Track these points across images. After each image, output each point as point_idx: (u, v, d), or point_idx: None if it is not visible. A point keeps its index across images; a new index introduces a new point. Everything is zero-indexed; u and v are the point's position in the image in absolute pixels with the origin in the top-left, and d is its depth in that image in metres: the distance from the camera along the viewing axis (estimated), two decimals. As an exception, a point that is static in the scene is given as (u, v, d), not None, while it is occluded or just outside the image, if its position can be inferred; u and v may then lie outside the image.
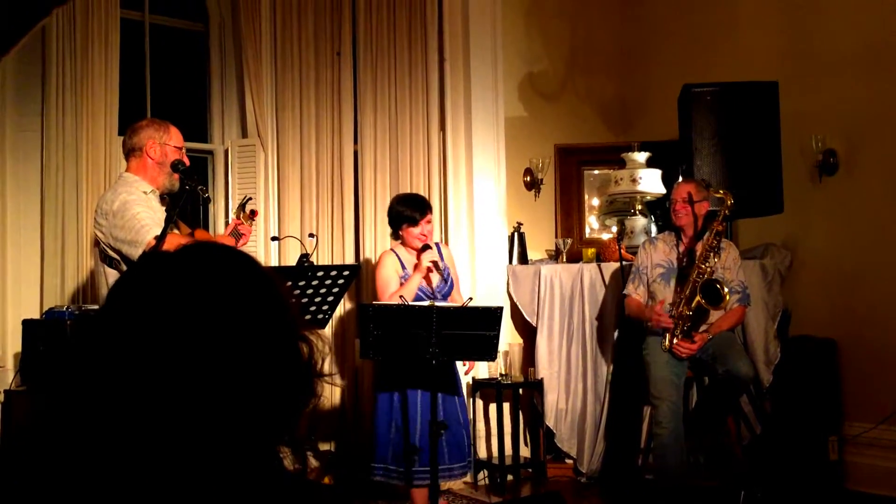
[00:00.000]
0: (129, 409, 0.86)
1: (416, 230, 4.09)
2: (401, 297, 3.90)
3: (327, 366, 1.06)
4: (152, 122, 3.43)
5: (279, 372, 0.93)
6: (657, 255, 4.40)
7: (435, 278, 4.11)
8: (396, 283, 4.09)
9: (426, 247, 4.07)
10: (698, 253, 4.18)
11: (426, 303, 3.95)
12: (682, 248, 4.33)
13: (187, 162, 3.35)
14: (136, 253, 3.07)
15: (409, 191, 4.99)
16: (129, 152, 3.33)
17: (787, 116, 4.78)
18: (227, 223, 5.26)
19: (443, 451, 3.90)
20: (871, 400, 4.54)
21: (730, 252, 4.39)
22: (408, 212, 4.10)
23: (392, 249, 4.25)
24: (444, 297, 4.16)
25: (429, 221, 4.12)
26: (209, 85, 5.59)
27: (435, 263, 4.05)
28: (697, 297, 4.10)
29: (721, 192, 4.26)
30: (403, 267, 4.13)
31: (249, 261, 0.99)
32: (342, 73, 5.29)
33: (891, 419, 4.41)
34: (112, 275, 3.26)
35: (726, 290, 4.04)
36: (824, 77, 4.86)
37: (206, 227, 5.33)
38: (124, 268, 3.19)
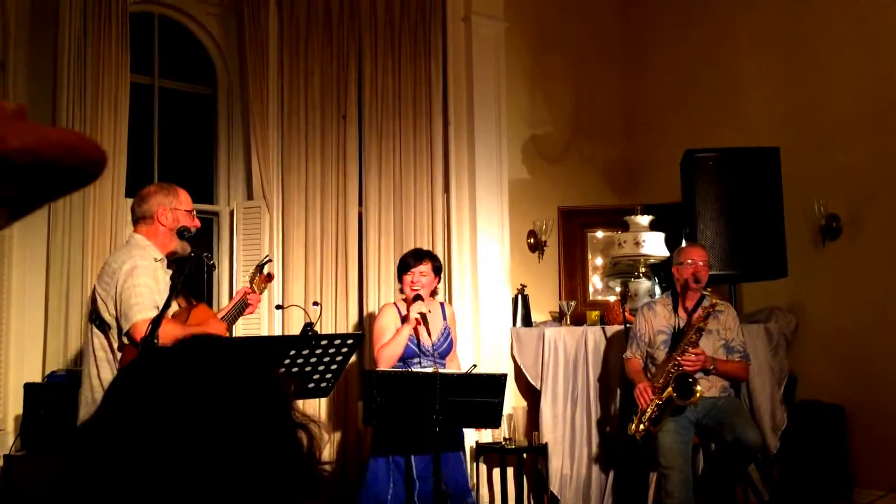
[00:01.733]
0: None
1: (407, 277, 4.13)
2: (403, 362, 3.89)
3: (326, 453, 1.05)
4: (161, 187, 3.39)
5: (278, 466, 0.93)
6: (657, 320, 4.38)
7: (423, 332, 4.09)
8: (391, 333, 4.09)
9: (417, 297, 4.06)
10: (685, 339, 4.15)
11: (425, 363, 3.94)
12: (681, 313, 4.31)
13: (198, 224, 3.35)
14: (122, 326, 3.06)
15: None
16: (140, 219, 3.31)
17: (789, 181, 4.81)
18: (231, 286, 5.27)
19: None
20: (881, 466, 4.49)
21: (728, 312, 4.38)
22: (405, 260, 4.20)
23: (395, 302, 4.30)
24: (442, 356, 4.15)
25: (424, 273, 4.12)
26: (216, 147, 5.65)
27: (423, 316, 4.01)
28: (669, 389, 4.08)
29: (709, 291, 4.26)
30: (403, 320, 4.14)
31: (243, 358, 0.99)
32: (347, 136, 5.35)
33: (901, 487, 4.35)
34: (98, 336, 3.21)
35: (698, 388, 4.02)
36: (826, 141, 4.90)
37: (210, 292, 5.33)
38: (111, 334, 3.16)
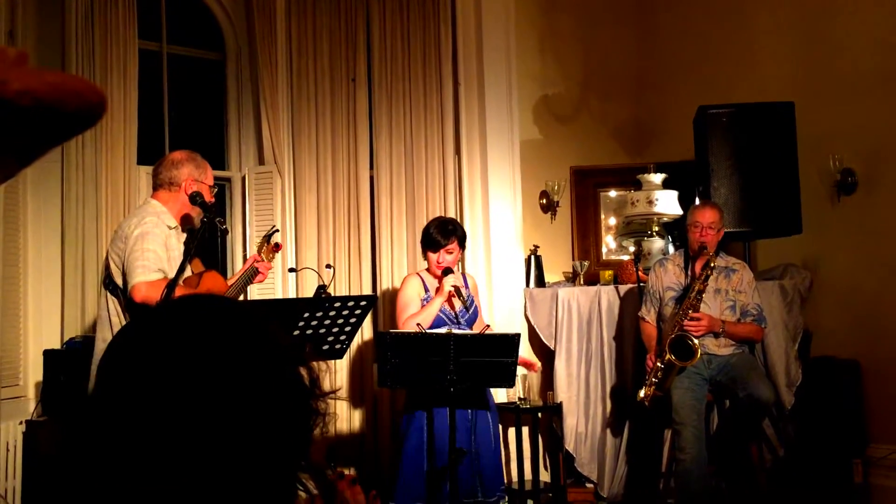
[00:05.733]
0: (139, 467, 0.87)
1: (434, 256, 4.11)
2: (418, 324, 3.91)
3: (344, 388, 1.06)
4: (192, 157, 3.37)
5: (282, 401, 0.94)
6: (668, 277, 4.40)
7: (457, 304, 4.10)
8: (417, 305, 4.10)
9: (448, 270, 4.07)
10: (685, 303, 4.15)
11: (444, 329, 3.95)
12: (692, 271, 4.31)
13: (212, 199, 3.35)
14: (127, 282, 3.08)
15: (424, 216, 5.05)
16: (163, 184, 3.30)
17: (803, 136, 4.76)
18: (244, 252, 5.29)
19: (475, 482, 3.86)
20: (895, 420, 4.48)
21: (743, 275, 4.36)
22: (432, 236, 4.12)
23: (418, 272, 4.29)
24: (469, 324, 4.16)
25: (450, 252, 4.10)
26: (226, 113, 5.65)
27: (457, 288, 4.04)
28: (668, 355, 4.09)
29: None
30: (426, 290, 4.14)
31: (235, 307, 1.01)
32: (357, 100, 5.33)
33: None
34: (112, 301, 3.24)
35: (696, 342, 4.02)
36: (841, 96, 4.83)
37: (224, 257, 5.36)
38: (120, 297, 3.19)
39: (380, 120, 5.32)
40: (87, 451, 0.90)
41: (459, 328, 4.04)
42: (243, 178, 5.46)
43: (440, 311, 4.07)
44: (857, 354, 4.70)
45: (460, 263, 5.08)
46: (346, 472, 5.04)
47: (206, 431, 0.88)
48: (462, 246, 4.20)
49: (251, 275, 3.44)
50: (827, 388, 4.69)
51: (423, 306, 4.08)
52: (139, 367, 0.91)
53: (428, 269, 4.19)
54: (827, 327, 4.89)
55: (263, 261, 3.45)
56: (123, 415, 0.89)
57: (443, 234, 4.10)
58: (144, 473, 0.86)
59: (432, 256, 4.11)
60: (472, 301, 4.20)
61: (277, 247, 3.51)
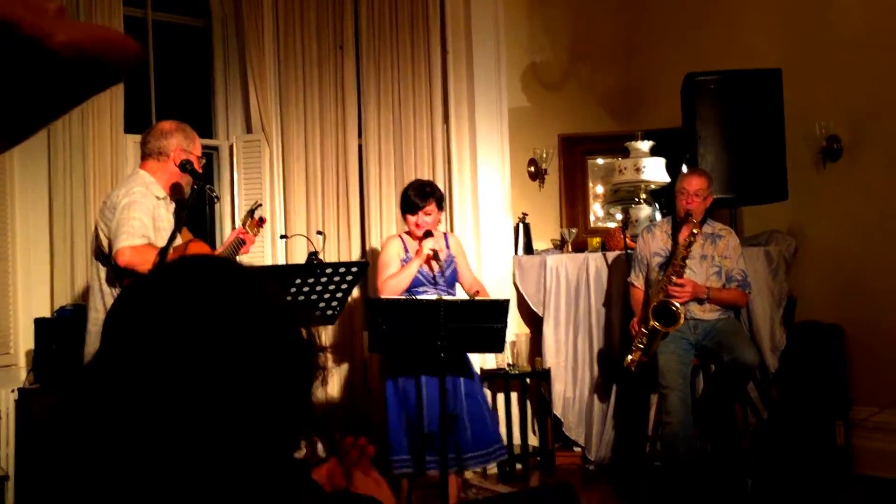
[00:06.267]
0: (142, 424, 0.89)
1: (412, 218, 4.13)
2: (411, 296, 3.93)
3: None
4: (181, 128, 3.37)
5: (283, 356, 0.96)
6: (655, 243, 4.44)
7: (436, 266, 4.14)
8: (396, 266, 4.12)
9: (428, 233, 4.10)
10: (669, 269, 4.20)
11: (431, 292, 3.99)
12: (680, 239, 4.35)
13: (200, 170, 3.35)
14: (113, 246, 3.08)
15: None
16: (152, 154, 3.30)
17: (790, 103, 4.78)
18: (232, 221, 5.29)
19: (467, 437, 3.90)
20: (878, 384, 4.56)
21: (729, 240, 4.40)
22: (410, 199, 4.14)
23: (399, 234, 4.30)
24: (449, 284, 4.19)
25: (428, 213, 4.11)
26: (213, 80, 5.61)
27: (435, 252, 4.07)
28: (652, 322, 4.13)
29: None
30: (406, 251, 4.17)
31: (229, 265, 1.03)
32: (345, 67, 5.31)
33: (897, 403, 4.43)
34: (103, 271, 3.25)
35: (680, 308, 4.07)
36: (827, 64, 4.86)
37: (213, 227, 5.36)
38: (109, 266, 3.19)
39: (368, 88, 5.30)
40: (89, 414, 0.91)
41: (438, 288, 4.09)
42: (231, 147, 5.44)
43: (419, 272, 4.10)
44: (841, 319, 4.77)
45: (445, 223, 5.11)
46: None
47: (214, 384, 0.90)
48: (440, 207, 4.21)
49: (237, 245, 3.45)
50: (811, 352, 4.77)
51: (402, 267, 4.11)
52: (148, 323, 0.92)
53: (408, 232, 4.21)
54: (811, 293, 4.96)
55: (248, 234, 3.46)
56: (133, 370, 0.91)
57: (420, 197, 4.12)
58: (152, 431, 0.88)
59: (411, 219, 4.14)
60: (451, 263, 4.22)
61: (262, 221, 3.51)
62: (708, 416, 4.47)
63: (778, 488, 4.29)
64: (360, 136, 5.31)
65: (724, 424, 4.58)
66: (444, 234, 4.33)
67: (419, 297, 4.00)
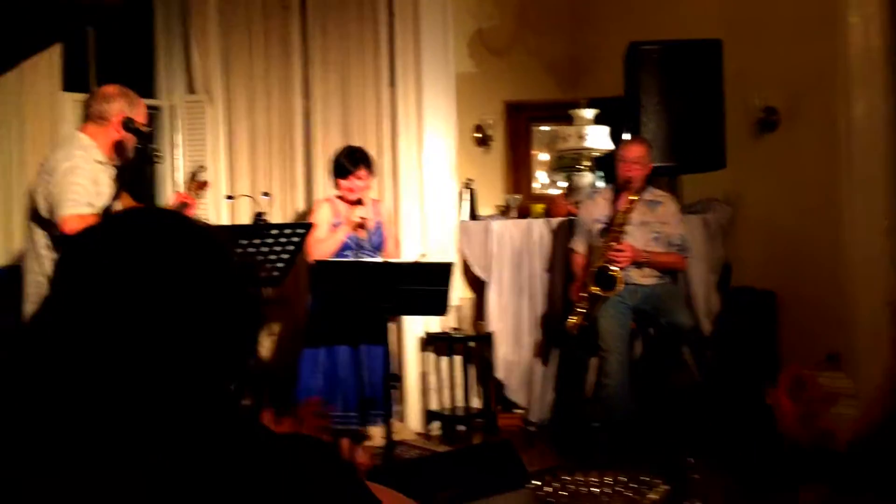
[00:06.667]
0: (94, 365, 0.90)
1: (344, 183, 4.19)
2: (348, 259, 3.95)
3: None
4: (125, 94, 3.31)
5: (232, 302, 0.97)
6: (597, 210, 4.52)
7: (365, 233, 4.21)
8: (324, 230, 4.17)
9: (360, 201, 4.18)
10: (609, 236, 4.29)
11: (350, 254, 4.12)
12: (620, 206, 4.43)
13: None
14: (56, 215, 3.04)
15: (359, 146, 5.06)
16: (93, 117, 3.24)
17: (730, 74, 4.89)
18: (175, 185, 5.22)
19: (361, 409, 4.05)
20: (806, 347, 4.74)
21: (668, 207, 4.51)
22: (342, 164, 4.20)
23: (329, 199, 4.34)
24: (375, 249, 4.25)
25: (359, 178, 4.17)
26: (154, 38, 5.49)
27: (363, 222, 4.15)
28: (592, 286, 4.24)
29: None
30: (337, 216, 4.23)
31: (176, 213, 1.04)
32: (291, 28, 5.25)
33: (823, 365, 4.62)
34: (39, 234, 3.20)
35: (619, 273, 4.18)
36: (766, 37, 4.97)
37: (155, 190, 5.29)
38: (52, 231, 3.14)
39: (314, 49, 5.25)
40: (35, 361, 0.92)
41: (363, 252, 4.18)
42: (173, 107, 5.35)
43: (350, 237, 4.17)
44: (773, 285, 4.93)
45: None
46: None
47: (164, 328, 0.92)
48: (371, 173, 4.27)
49: (179, 209, 3.42)
50: (744, 316, 4.93)
51: (330, 231, 4.17)
52: (100, 269, 0.93)
53: (340, 196, 4.26)
54: (746, 259, 5.12)
55: (191, 197, 3.43)
56: (86, 315, 0.92)
57: (351, 162, 4.18)
58: (101, 374, 0.90)
59: (343, 183, 4.19)
60: (378, 230, 4.30)
61: (204, 184, 3.49)
62: (645, 378, 4.60)
63: (707, 447, 4.44)
64: (306, 97, 5.27)
65: (661, 386, 4.72)
66: (375, 201, 4.38)
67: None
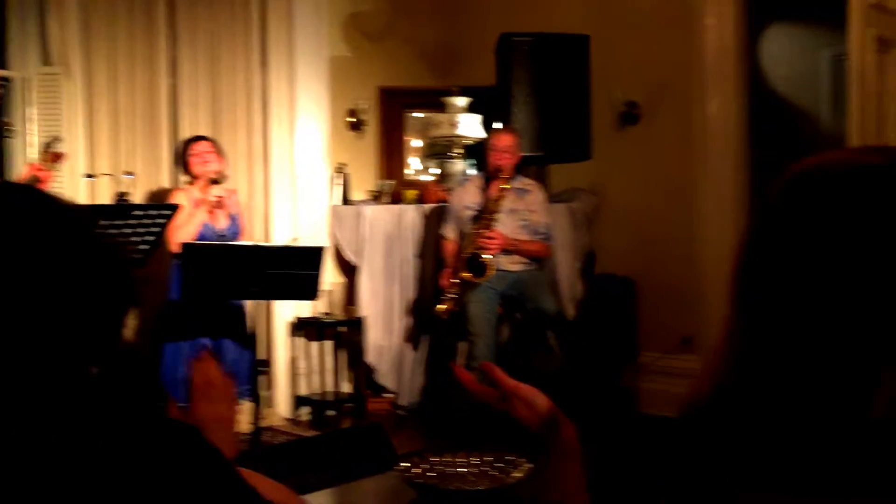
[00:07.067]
0: None
1: (194, 159, 4.32)
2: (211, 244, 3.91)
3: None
4: None
5: (88, 282, 0.95)
6: (468, 197, 4.61)
7: (222, 219, 4.26)
8: (183, 216, 4.15)
9: (215, 181, 4.29)
10: (480, 223, 4.39)
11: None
12: (491, 193, 4.53)
13: None
14: None
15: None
16: None
17: (596, 68, 5.07)
18: (27, 160, 4.94)
19: None
20: (662, 332, 5.00)
21: (536, 195, 4.65)
22: (180, 145, 4.47)
23: (183, 188, 4.45)
24: (232, 239, 4.31)
25: (208, 151, 4.34)
26: (6, 4, 5.15)
27: (219, 201, 4.22)
28: (463, 272, 4.35)
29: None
30: (192, 202, 4.28)
31: (30, 190, 1.01)
32: (156, 2, 5.05)
33: (678, 349, 4.89)
34: None
35: (489, 260, 4.30)
36: (630, 33, 5.18)
37: (3, 167, 4.98)
38: None
39: (181, 24, 5.08)
40: None
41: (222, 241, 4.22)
42: (27, 79, 5.04)
43: (204, 227, 4.21)
44: (633, 272, 5.17)
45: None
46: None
47: (14, 307, 0.89)
48: (220, 153, 4.41)
49: (32, 184, 3.25)
50: (606, 302, 5.15)
51: (189, 215, 4.19)
52: None
53: (191, 182, 4.35)
54: (609, 247, 5.33)
55: (44, 170, 3.27)
56: None
57: (195, 140, 4.35)
58: None
59: (193, 160, 4.31)
60: (236, 220, 4.38)
61: (59, 156, 3.33)
62: (511, 361, 4.73)
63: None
64: (173, 75, 5.09)
65: (526, 369, 4.87)
66: (230, 191, 4.49)
67: None
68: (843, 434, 0.68)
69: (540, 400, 1.13)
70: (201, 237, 4.19)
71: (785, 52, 6.17)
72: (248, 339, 4.36)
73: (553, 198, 5.15)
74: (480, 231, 4.37)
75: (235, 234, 4.40)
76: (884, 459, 0.67)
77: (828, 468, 0.69)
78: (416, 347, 5.17)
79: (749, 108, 4.93)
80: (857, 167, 0.73)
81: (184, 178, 4.49)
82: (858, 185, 0.72)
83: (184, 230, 4.13)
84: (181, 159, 4.45)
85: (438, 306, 4.47)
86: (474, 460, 2.31)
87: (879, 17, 3.65)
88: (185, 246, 3.76)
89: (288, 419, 5.04)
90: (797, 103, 6.26)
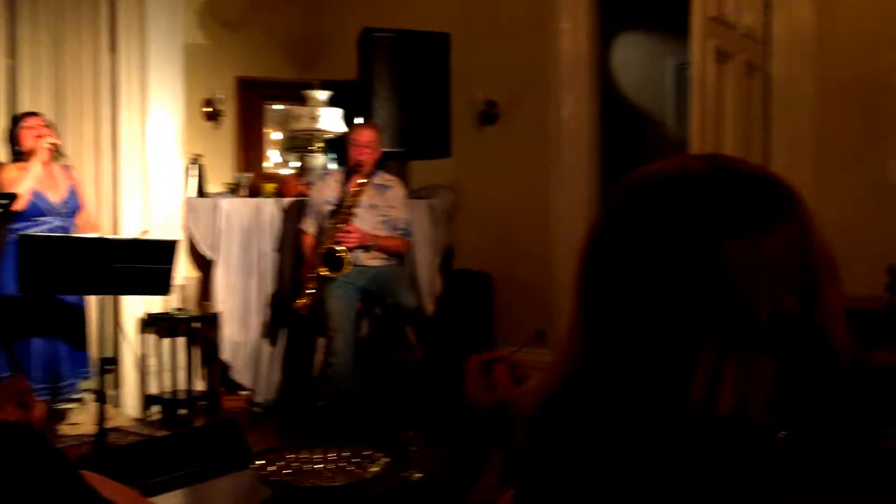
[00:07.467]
0: None
1: (27, 122, 4.16)
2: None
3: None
4: None
5: None
6: (327, 191, 4.59)
7: (52, 192, 4.12)
8: (14, 173, 4.05)
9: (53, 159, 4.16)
10: (338, 218, 4.40)
11: (55, 222, 4.05)
12: (350, 188, 4.52)
13: None
14: None
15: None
16: None
17: (457, 67, 5.15)
18: None
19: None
20: (517, 326, 5.15)
21: (397, 191, 4.68)
22: (18, 115, 4.28)
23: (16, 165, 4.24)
24: (71, 214, 4.17)
25: (35, 122, 4.18)
26: None
27: (53, 146, 4.09)
28: (320, 267, 4.36)
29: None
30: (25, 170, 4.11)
31: None
32: (-6, -23, 4.73)
33: (532, 342, 5.04)
34: None
35: (346, 255, 4.32)
36: (490, 33, 5.30)
37: None
38: None
39: (22, 3, 4.77)
40: None
41: (60, 218, 4.08)
42: None
43: (38, 199, 4.03)
44: (490, 268, 5.30)
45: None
46: None
47: None
48: (54, 130, 4.26)
49: None
50: (464, 297, 5.25)
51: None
52: None
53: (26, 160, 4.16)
54: (467, 243, 5.44)
55: None
56: None
57: (27, 115, 4.22)
58: None
59: (26, 121, 4.15)
60: (73, 195, 4.23)
61: None
62: (370, 355, 4.75)
63: (427, 421, 4.68)
64: (12, 56, 4.78)
65: (385, 364, 4.90)
66: (67, 167, 4.34)
67: (43, 227, 3.99)
68: (670, 419, 0.74)
69: None
70: (35, 209, 3.97)
71: (634, 59, 6.50)
72: (83, 341, 4.22)
73: (413, 194, 5.19)
74: (338, 226, 4.36)
75: (74, 208, 4.21)
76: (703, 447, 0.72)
77: (658, 454, 0.74)
78: (273, 343, 5.09)
79: (600, 111, 5.15)
80: (682, 175, 0.79)
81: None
82: (682, 191, 0.78)
83: (23, 183, 3.94)
84: (12, 135, 4.19)
85: (296, 301, 4.42)
86: (331, 456, 2.31)
87: (718, 29, 3.89)
88: (23, 238, 3.54)
89: (137, 419, 4.85)
90: (645, 109, 6.60)
